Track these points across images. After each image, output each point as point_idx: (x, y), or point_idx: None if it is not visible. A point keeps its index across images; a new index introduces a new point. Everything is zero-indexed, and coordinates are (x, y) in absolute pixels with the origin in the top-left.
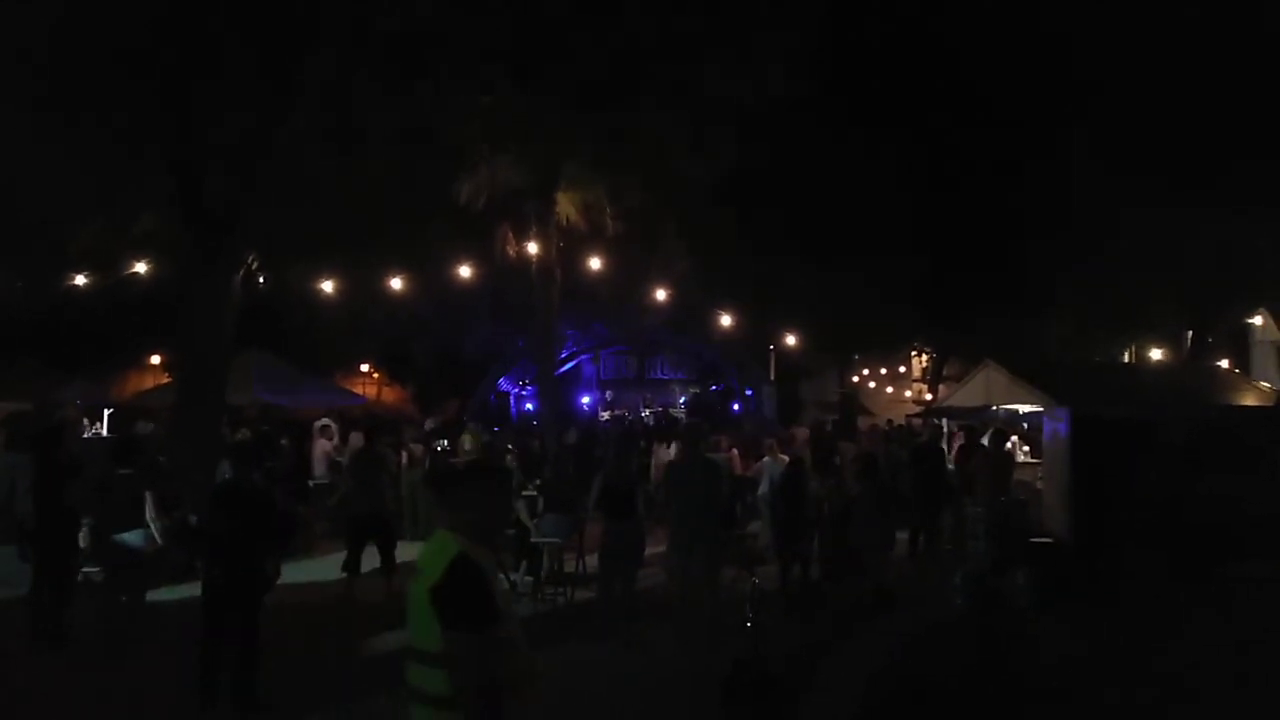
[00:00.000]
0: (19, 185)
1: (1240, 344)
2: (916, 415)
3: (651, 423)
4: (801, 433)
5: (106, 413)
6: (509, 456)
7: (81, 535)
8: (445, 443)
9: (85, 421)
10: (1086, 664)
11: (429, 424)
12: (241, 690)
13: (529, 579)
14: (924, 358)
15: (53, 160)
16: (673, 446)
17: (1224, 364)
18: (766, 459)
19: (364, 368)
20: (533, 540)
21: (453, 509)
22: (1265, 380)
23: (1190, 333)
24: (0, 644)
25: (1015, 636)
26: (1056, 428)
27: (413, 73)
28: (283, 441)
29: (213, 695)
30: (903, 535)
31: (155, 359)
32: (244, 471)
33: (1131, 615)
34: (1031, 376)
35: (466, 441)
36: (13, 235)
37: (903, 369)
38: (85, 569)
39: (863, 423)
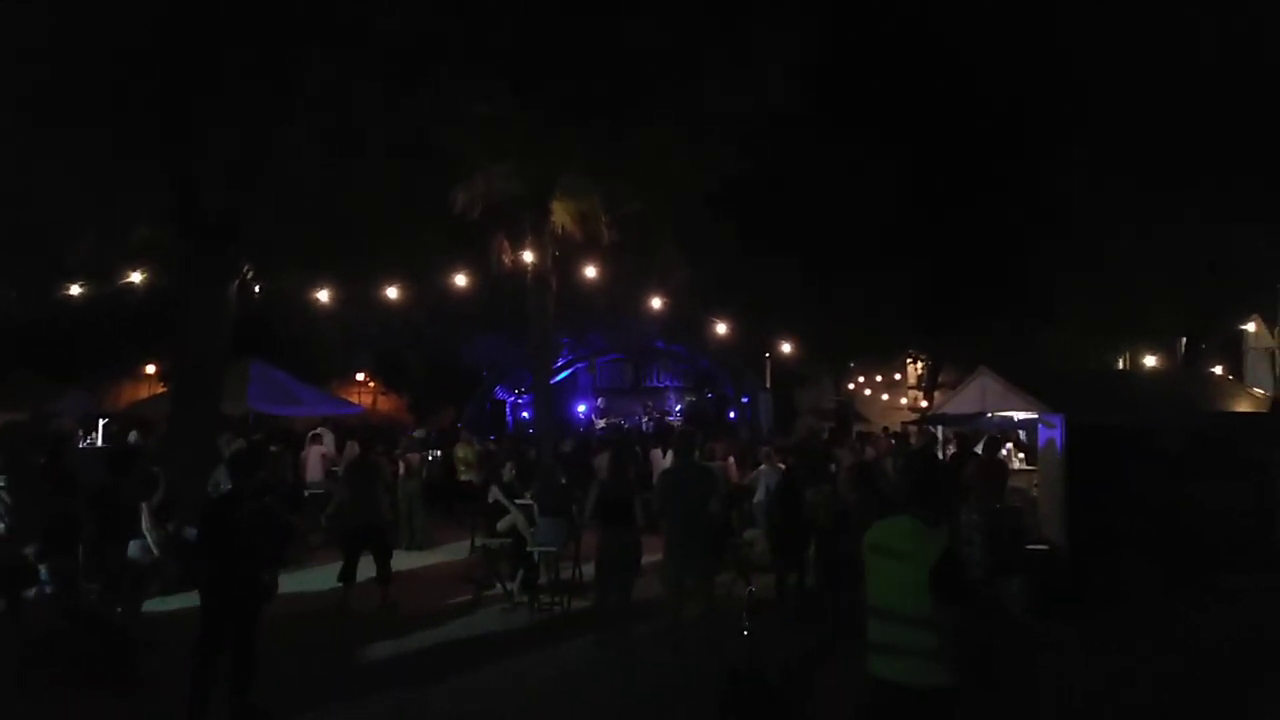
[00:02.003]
0: (13, 194)
1: (1234, 350)
2: (912, 422)
3: (651, 430)
4: (883, 444)
5: (101, 423)
6: (508, 466)
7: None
8: (438, 452)
9: (80, 432)
10: (1081, 670)
11: (416, 433)
12: (237, 700)
13: (524, 587)
14: (919, 365)
15: (48, 169)
16: (669, 454)
17: (1218, 370)
18: (763, 466)
19: (359, 377)
20: (528, 549)
21: (926, 498)
22: (1259, 386)
23: (1184, 339)
24: None
25: (1010, 643)
26: (1051, 435)
27: (411, 79)
28: (272, 448)
29: (205, 704)
30: None
31: (150, 369)
32: (240, 482)
33: (1126, 622)
34: (1026, 383)
35: (461, 451)
36: (6, 244)
37: (898, 376)
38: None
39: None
